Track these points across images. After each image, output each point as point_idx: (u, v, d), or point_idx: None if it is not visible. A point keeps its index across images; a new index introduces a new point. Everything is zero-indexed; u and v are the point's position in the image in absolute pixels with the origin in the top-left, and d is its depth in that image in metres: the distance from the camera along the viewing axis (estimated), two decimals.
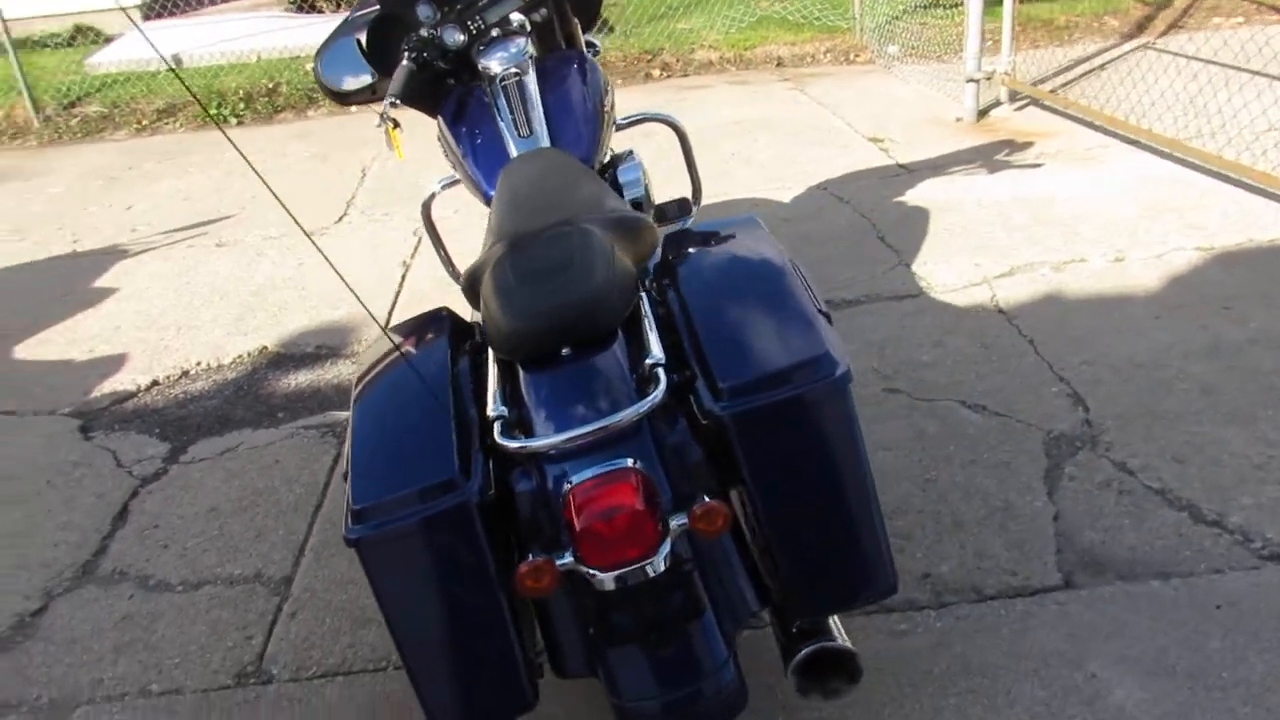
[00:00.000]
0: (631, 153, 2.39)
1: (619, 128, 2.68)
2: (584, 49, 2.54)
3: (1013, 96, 4.97)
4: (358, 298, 1.58)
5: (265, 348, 3.29)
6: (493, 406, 1.45)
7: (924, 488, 2.30)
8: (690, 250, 1.71)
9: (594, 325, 1.48)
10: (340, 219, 4.34)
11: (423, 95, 2.35)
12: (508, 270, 1.55)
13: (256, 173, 1.32)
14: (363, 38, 2.33)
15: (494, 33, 2.28)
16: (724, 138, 4.88)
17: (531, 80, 2.24)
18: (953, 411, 2.58)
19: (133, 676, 2.02)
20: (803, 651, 1.44)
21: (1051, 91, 4.92)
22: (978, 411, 2.57)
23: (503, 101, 2.23)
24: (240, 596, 2.20)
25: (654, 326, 1.52)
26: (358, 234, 4.18)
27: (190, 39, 6.92)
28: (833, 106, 5.24)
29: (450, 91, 2.36)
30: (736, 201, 4.09)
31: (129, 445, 2.78)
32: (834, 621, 1.51)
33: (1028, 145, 4.39)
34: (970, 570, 2.05)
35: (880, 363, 2.83)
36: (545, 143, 2.15)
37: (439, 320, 1.73)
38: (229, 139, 1.33)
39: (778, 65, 6.23)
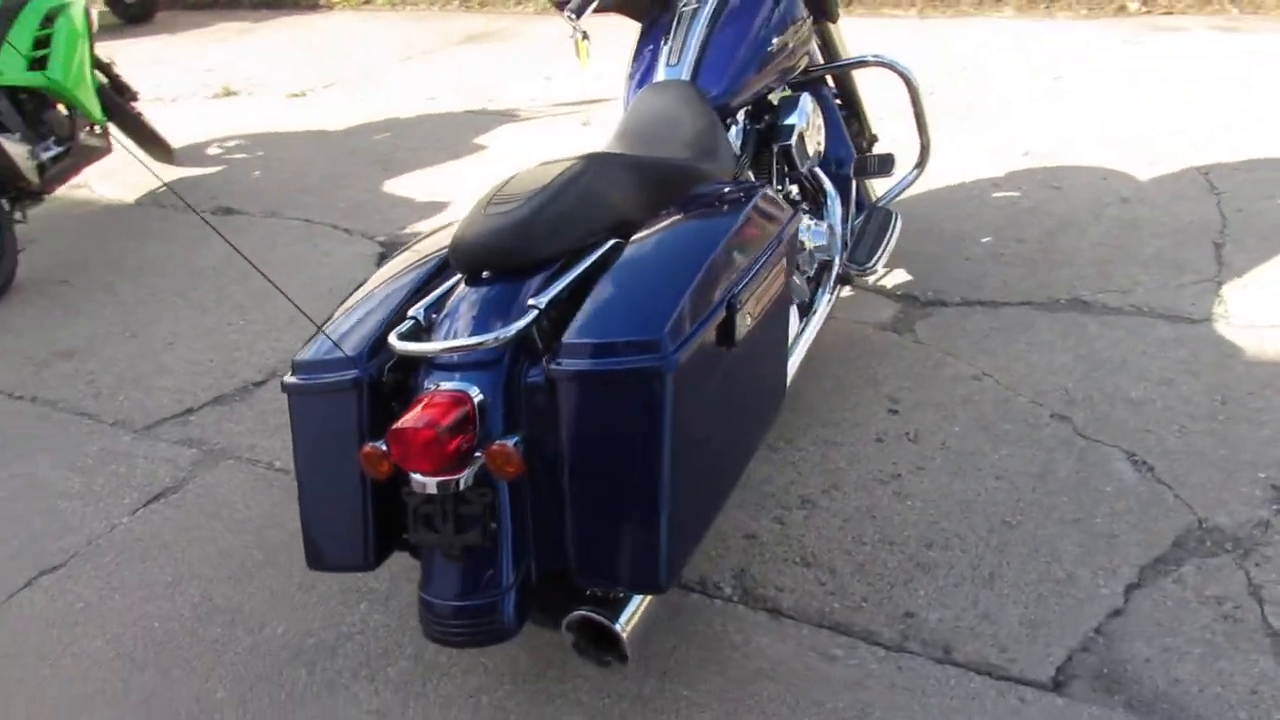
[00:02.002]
0: (800, 97, 2.29)
1: (833, 69, 2.56)
2: None
3: None
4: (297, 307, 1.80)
5: None
6: (415, 309, 1.63)
7: (994, 529, 2.02)
8: (666, 209, 1.68)
9: (508, 256, 1.56)
10: None
11: (635, 3, 2.44)
12: (494, 188, 1.68)
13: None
14: None
15: None
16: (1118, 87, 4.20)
17: (706, 10, 2.24)
18: (1108, 461, 2.17)
19: None
20: (572, 613, 1.47)
21: None
22: (1138, 470, 2.14)
23: (674, 27, 2.27)
24: None
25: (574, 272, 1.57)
26: None
27: None
28: None
29: (658, 5, 2.43)
30: (1067, 169, 3.57)
31: None
32: (637, 600, 1.50)
33: None
34: (959, 629, 1.81)
35: (1075, 384, 2.43)
36: (686, 74, 2.16)
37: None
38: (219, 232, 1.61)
39: None
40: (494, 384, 1.49)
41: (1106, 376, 2.45)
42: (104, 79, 4.22)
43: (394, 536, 1.61)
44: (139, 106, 4.45)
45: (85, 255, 3.80)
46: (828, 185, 2.52)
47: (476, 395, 1.46)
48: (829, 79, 2.80)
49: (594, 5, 2.33)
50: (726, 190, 1.73)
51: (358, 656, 1.86)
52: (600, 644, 1.49)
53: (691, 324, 1.42)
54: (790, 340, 2.08)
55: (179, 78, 6.14)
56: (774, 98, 2.38)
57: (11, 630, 1.99)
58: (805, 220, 2.38)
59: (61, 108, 3.88)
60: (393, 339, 1.52)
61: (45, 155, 3.72)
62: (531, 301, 1.49)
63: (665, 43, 2.26)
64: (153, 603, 2.03)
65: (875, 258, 2.45)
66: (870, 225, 2.57)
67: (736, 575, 1.97)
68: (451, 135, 4.67)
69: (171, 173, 4.55)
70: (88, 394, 2.83)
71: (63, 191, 4.36)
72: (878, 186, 2.92)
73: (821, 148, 2.41)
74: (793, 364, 2.10)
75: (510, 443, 1.42)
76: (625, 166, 1.73)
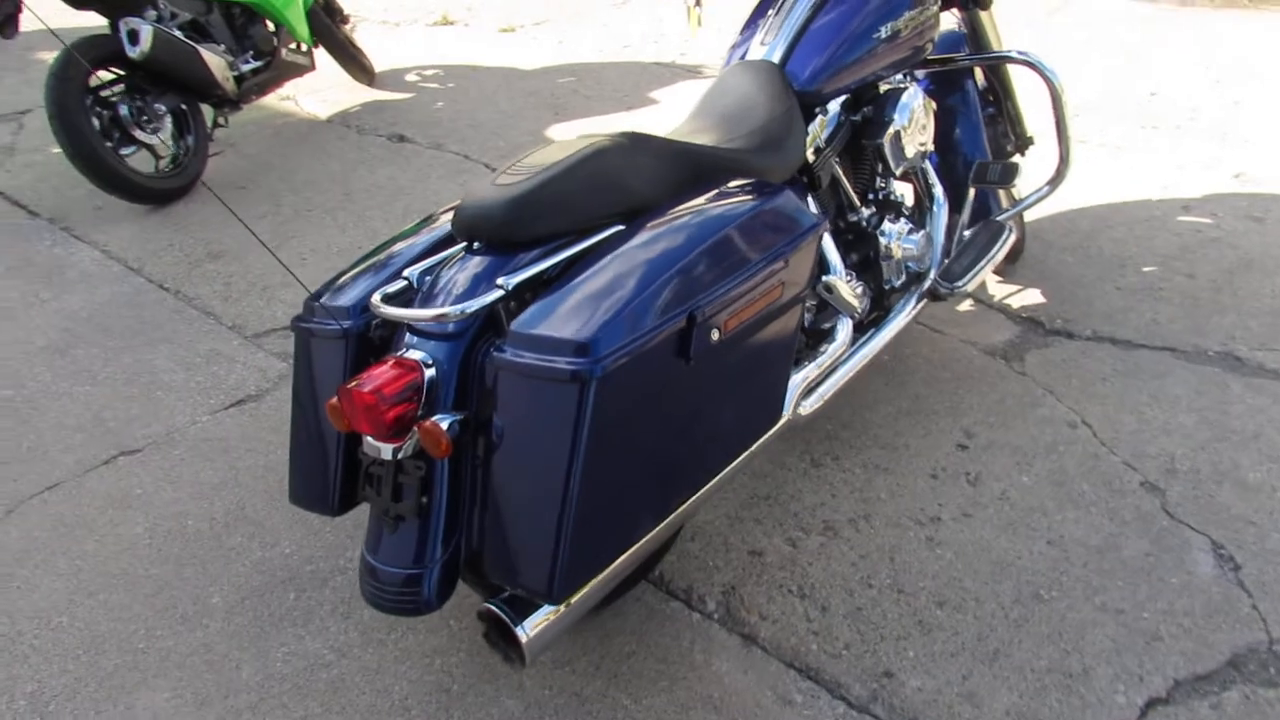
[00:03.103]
0: (906, 91, 2.09)
1: (970, 62, 2.33)
2: None
3: None
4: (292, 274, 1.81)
5: None
6: (410, 270, 1.63)
7: (1020, 600, 1.80)
8: (675, 201, 1.58)
9: (499, 229, 1.51)
10: None
11: None
12: (515, 158, 1.65)
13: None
14: None
15: None
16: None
17: None
18: (1187, 549, 1.89)
19: None
20: (483, 605, 1.44)
21: None
22: (1220, 565, 1.84)
23: (778, 4, 2.12)
24: None
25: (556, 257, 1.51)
26: None
27: None
28: None
29: None
30: (1206, 203, 3.08)
31: None
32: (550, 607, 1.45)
33: None
34: (935, 704, 1.63)
35: (1186, 452, 2.12)
36: (776, 56, 2.02)
37: None
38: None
39: None
40: (452, 358, 1.46)
41: (1227, 450, 2.12)
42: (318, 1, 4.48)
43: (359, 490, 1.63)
44: (361, 28, 4.68)
45: (267, 164, 4.08)
46: (936, 189, 2.30)
47: (430, 367, 1.44)
48: (977, 71, 2.54)
49: None
50: (743, 188, 1.60)
51: (342, 592, 1.92)
52: (508, 640, 1.46)
53: (635, 331, 1.33)
54: (835, 355, 1.93)
55: (409, 2, 6.44)
56: (884, 87, 2.18)
57: (77, 501, 2.20)
58: (897, 225, 2.19)
59: (269, 25, 4.15)
60: (375, 298, 1.53)
61: (245, 68, 4.01)
62: (500, 280, 1.45)
63: (767, 18, 2.12)
64: (195, 501, 2.18)
65: (967, 278, 2.21)
66: (975, 240, 2.32)
67: (725, 592, 1.88)
68: (631, 85, 4.63)
69: (366, 94, 4.80)
70: (220, 295, 3.06)
71: (270, 102, 4.72)
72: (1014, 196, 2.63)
73: (926, 148, 2.19)
74: (837, 380, 1.95)
75: (444, 421, 1.39)
76: (652, 150, 1.64)
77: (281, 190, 3.82)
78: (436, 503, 1.47)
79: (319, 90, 4.85)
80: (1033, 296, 2.73)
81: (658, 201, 1.61)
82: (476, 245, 1.55)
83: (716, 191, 1.60)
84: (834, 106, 2.09)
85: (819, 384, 1.92)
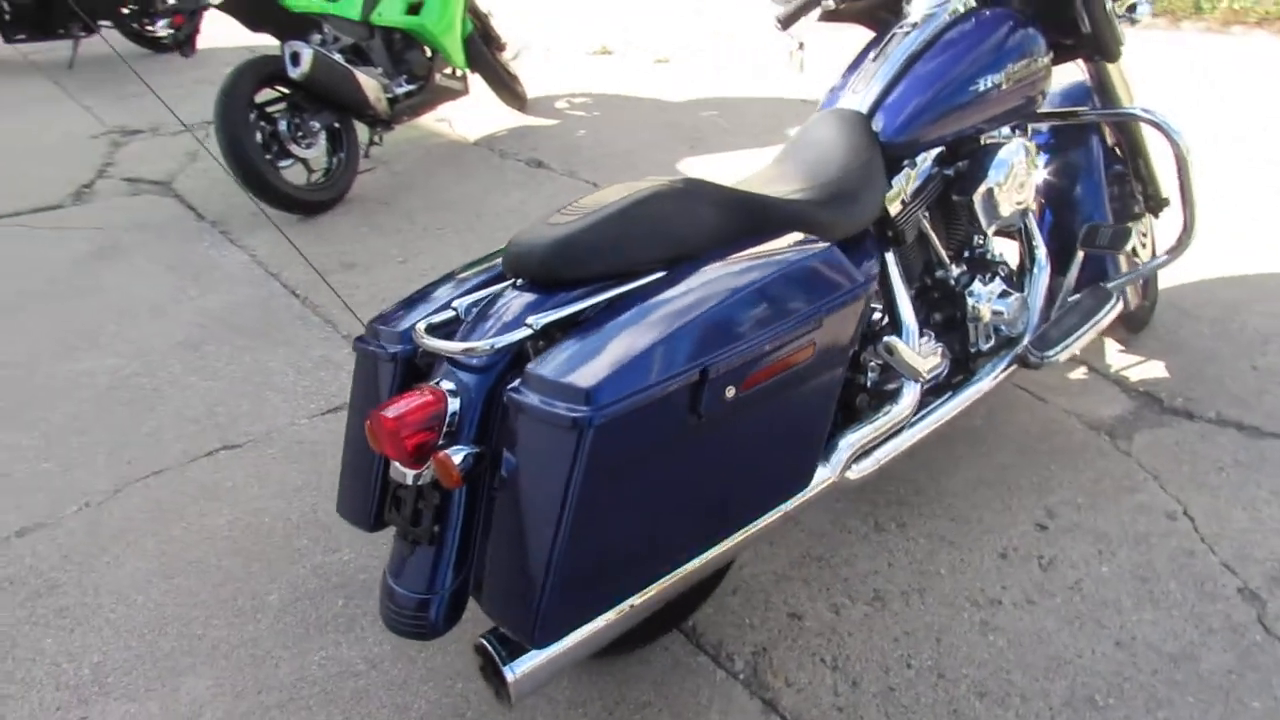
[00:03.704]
0: (1006, 147, 1.99)
1: (1090, 118, 2.20)
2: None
3: None
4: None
5: None
6: (460, 301, 1.67)
7: (1071, 703, 1.65)
8: (714, 254, 1.55)
9: (542, 267, 1.53)
10: None
11: (872, 14, 2.26)
12: (578, 198, 1.67)
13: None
14: None
15: None
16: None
17: (915, 37, 2.02)
18: (1279, 671, 1.69)
19: None
20: (479, 638, 1.45)
21: None
22: None
23: (877, 49, 2.07)
24: None
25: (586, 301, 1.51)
26: None
27: None
28: None
29: (890, 15, 2.22)
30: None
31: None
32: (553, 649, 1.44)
33: None
34: None
35: None
36: (865, 105, 1.97)
37: None
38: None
39: None
40: (478, 392, 1.49)
41: None
42: (477, 27, 4.68)
43: None
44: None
45: (411, 183, 4.29)
46: (1038, 250, 2.17)
47: (455, 398, 1.47)
48: (1105, 127, 2.38)
49: (804, 16, 2.19)
50: (791, 243, 1.55)
51: None
52: (499, 677, 1.46)
53: (642, 382, 1.31)
54: (897, 419, 1.84)
55: (573, 32, 6.64)
56: (985, 140, 2.07)
57: (176, 488, 2.37)
58: (989, 286, 2.07)
59: (426, 50, 4.37)
60: (420, 326, 1.58)
61: (398, 90, 4.23)
62: (530, 319, 1.47)
63: (864, 65, 2.06)
64: (276, 500, 2.30)
65: (1060, 347, 2.06)
66: (1077, 307, 2.17)
67: (756, 652, 1.82)
68: (772, 121, 4.61)
69: (516, 119, 4.97)
70: (342, 305, 3.23)
71: (425, 123, 4.97)
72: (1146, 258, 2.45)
73: (1024, 206, 2.07)
74: (898, 445, 1.86)
75: (459, 453, 1.42)
76: (707, 198, 1.62)
77: (418, 208, 4.00)
78: (451, 532, 1.49)
79: (473, 114, 5.05)
80: (1155, 370, 2.52)
81: (709, 250, 1.59)
82: (520, 282, 1.57)
83: (762, 245, 1.56)
84: (926, 158, 2.01)
85: (875, 447, 1.83)
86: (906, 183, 1.97)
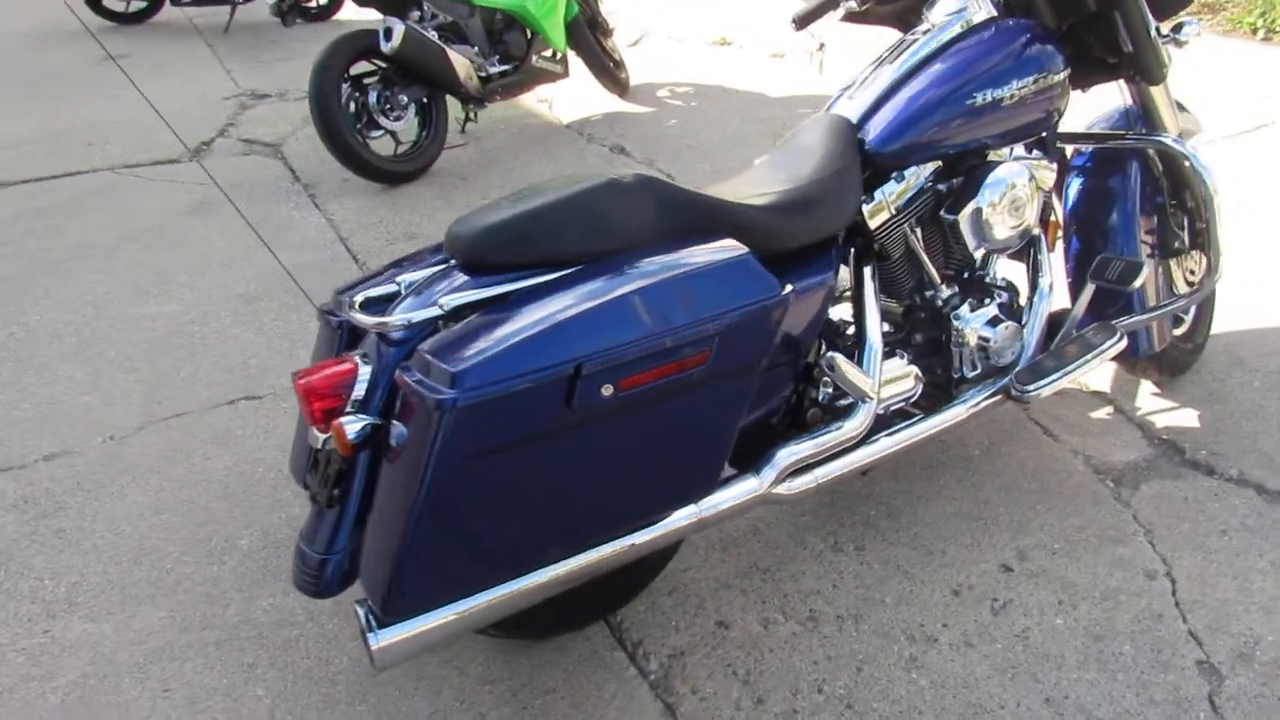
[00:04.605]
0: (1001, 167, 1.89)
1: (1101, 142, 2.08)
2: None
3: None
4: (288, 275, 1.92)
5: None
6: (404, 276, 1.72)
7: None
8: (652, 251, 1.53)
9: (467, 251, 1.55)
10: None
11: (899, 16, 2.18)
12: (527, 186, 1.70)
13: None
14: None
15: None
16: None
17: (921, 46, 1.95)
18: None
19: None
20: (356, 602, 1.49)
21: None
22: None
23: (884, 56, 2.01)
24: None
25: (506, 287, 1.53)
26: None
27: None
28: None
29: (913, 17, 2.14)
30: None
31: None
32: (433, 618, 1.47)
33: None
34: None
35: (1277, 639, 1.74)
36: (855, 113, 1.91)
37: None
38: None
39: None
40: (389, 365, 1.53)
41: None
42: (583, 11, 4.74)
43: None
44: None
45: (495, 161, 4.39)
46: (1042, 278, 2.05)
47: (366, 369, 1.52)
48: (1152, 152, 2.22)
49: (821, 16, 2.14)
50: (705, 248, 1.52)
51: None
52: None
53: (513, 371, 1.32)
54: (843, 438, 1.77)
55: (696, 21, 6.61)
56: (992, 157, 1.97)
57: (192, 431, 2.52)
58: (978, 311, 1.98)
59: (526, 32, 4.46)
60: (356, 298, 1.63)
61: (492, 70, 4.33)
62: (441, 300, 1.50)
63: (869, 70, 2.00)
64: (276, 452, 2.43)
65: (1044, 382, 1.93)
66: (1075, 342, 2.03)
67: (673, 655, 1.81)
68: None
69: (614, 105, 5.01)
70: None
71: (526, 102, 5.07)
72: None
73: (1023, 230, 1.95)
74: (845, 466, 1.80)
75: (354, 422, 1.46)
76: (655, 196, 1.60)
77: (493, 186, 4.10)
78: (352, 497, 1.54)
79: (573, 96, 5.12)
80: (1186, 418, 2.34)
81: (671, 227, 1.59)
82: (454, 263, 1.60)
83: (685, 247, 1.54)
84: (920, 172, 1.92)
85: (818, 465, 1.78)
86: (898, 196, 1.89)
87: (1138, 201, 2.17)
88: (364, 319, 1.53)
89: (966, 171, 1.94)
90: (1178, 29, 2.03)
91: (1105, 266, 2.02)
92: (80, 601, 1.99)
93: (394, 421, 1.43)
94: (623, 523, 1.53)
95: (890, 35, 2.13)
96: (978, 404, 1.96)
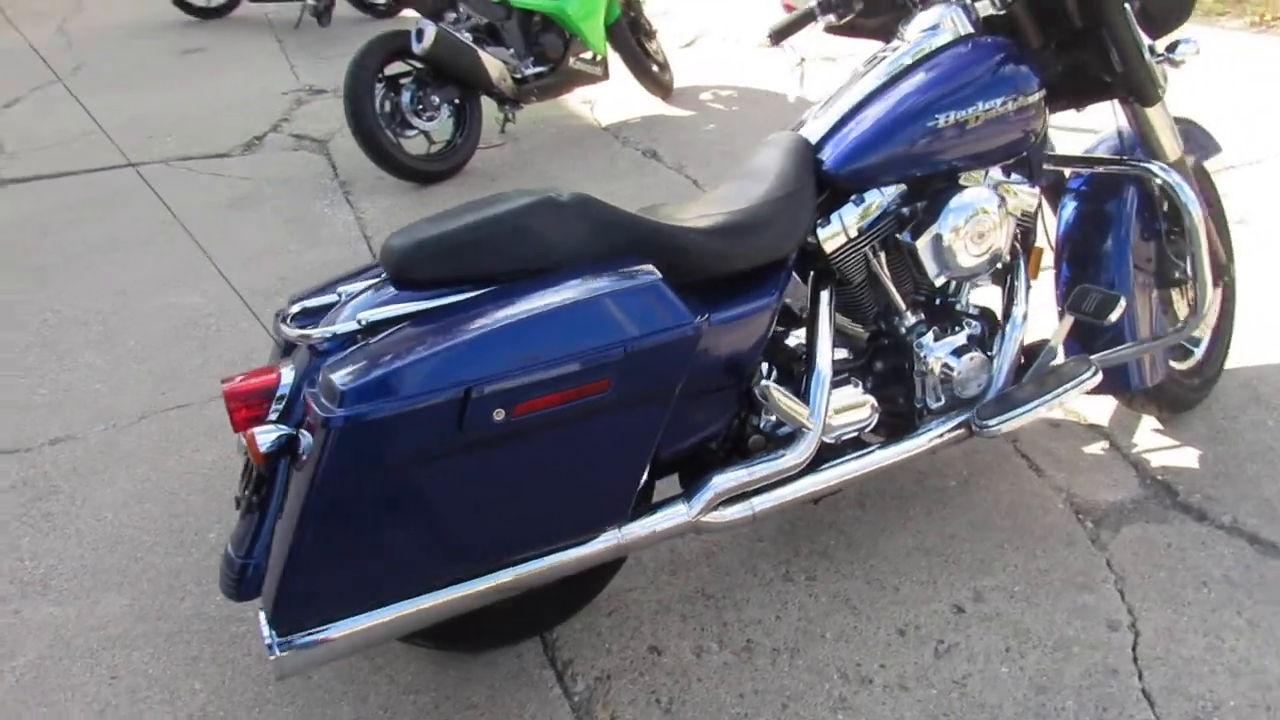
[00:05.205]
0: (971, 189, 1.82)
1: (1082, 164, 1.99)
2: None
3: None
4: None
5: None
6: (344, 288, 1.73)
7: None
8: (566, 274, 1.51)
9: (394, 267, 1.55)
10: None
11: (886, 29, 2.13)
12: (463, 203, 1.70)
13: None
14: None
15: None
16: None
17: (890, 64, 1.89)
18: None
19: None
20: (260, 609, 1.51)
21: None
22: None
23: (855, 72, 1.96)
24: None
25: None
26: None
27: None
28: None
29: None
30: None
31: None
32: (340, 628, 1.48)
33: None
34: None
35: (1237, 705, 1.63)
36: (814, 134, 1.87)
37: None
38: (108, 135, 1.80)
39: None
40: (309, 377, 1.55)
41: None
42: (625, 13, 4.73)
43: None
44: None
45: (529, 162, 4.41)
46: (1015, 308, 1.96)
47: (288, 379, 1.54)
48: (1149, 180, 2.10)
49: (798, 31, 2.09)
50: (617, 271, 1.49)
51: None
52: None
53: (402, 392, 1.32)
54: (780, 467, 1.72)
55: (754, 22, 6.53)
56: (964, 180, 1.89)
57: (187, 424, 2.60)
58: (943, 340, 1.90)
59: (564, 34, 4.46)
60: (292, 308, 1.66)
61: (527, 71, 4.36)
62: (361, 315, 1.51)
63: (838, 89, 1.94)
64: None
65: (1006, 417, 1.85)
66: (1048, 375, 1.93)
67: (600, 678, 1.79)
68: None
69: (655, 107, 4.98)
70: None
71: (568, 102, 5.09)
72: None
73: (990, 257, 1.86)
74: (783, 497, 1.76)
75: (267, 432, 1.47)
76: (590, 216, 1.58)
77: (525, 184, 4.11)
78: (271, 504, 1.57)
79: (615, 97, 5.11)
80: (1186, 458, 2.22)
81: (606, 244, 1.57)
82: (383, 276, 1.61)
83: (599, 270, 1.51)
84: (884, 195, 1.86)
85: (754, 494, 1.74)
86: (859, 218, 1.84)
87: (1133, 228, 2.06)
88: (287, 330, 1.55)
89: (932, 195, 1.86)
90: (1173, 48, 1.91)
91: (1083, 298, 1.92)
92: (53, 584, 2.07)
93: (302, 432, 1.44)
94: (528, 547, 1.52)
95: (873, 49, 2.07)
96: (938, 437, 1.89)
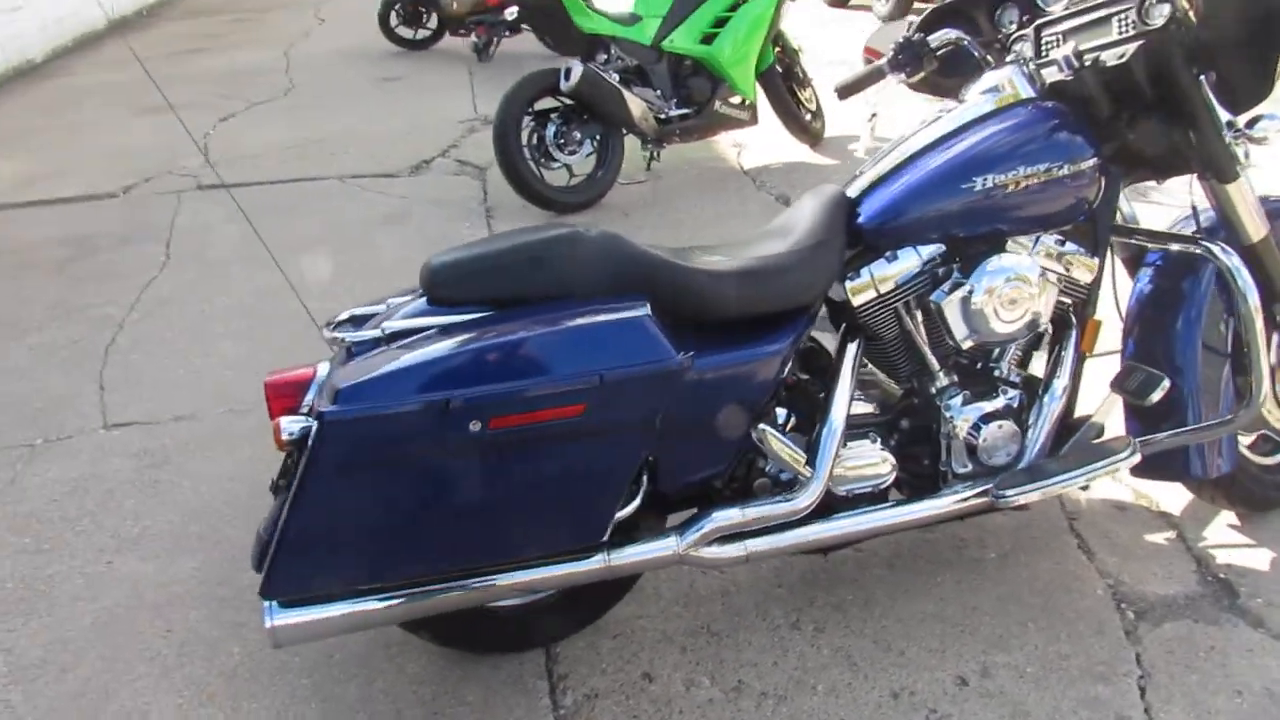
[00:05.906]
0: (1010, 254, 1.80)
1: (1148, 239, 1.92)
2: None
3: None
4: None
5: None
6: (393, 299, 1.89)
7: None
8: (572, 304, 1.61)
9: (425, 284, 1.70)
10: None
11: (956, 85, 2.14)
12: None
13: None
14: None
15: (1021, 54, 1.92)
16: None
17: (942, 125, 1.90)
18: None
19: None
20: None
21: None
22: None
23: (910, 130, 1.98)
24: None
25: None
26: None
27: None
28: None
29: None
30: None
31: None
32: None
33: None
34: None
35: None
36: (855, 189, 1.91)
37: None
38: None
39: None
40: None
41: None
42: (779, 60, 4.80)
43: None
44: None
45: (666, 200, 4.54)
46: (1056, 380, 1.89)
47: (322, 375, 1.71)
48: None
49: (866, 88, 2.12)
50: (612, 305, 1.56)
51: None
52: None
53: (389, 396, 1.46)
54: (775, 512, 1.74)
55: None
56: (1010, 244, 1.85)
57: (254, 426, 2.84)
58: (972, 405, 1.88)
59: (711, 79, 4.58)
60: (342, 315, 1.83)
61: (672, 113, 4.50)
62: (384, 325, 1.67)
63: (890, 144, 1.96)
64: (266, 467, 2.69)
65: (1025, 489, 1.78)
66: (1081, 451, 1.84)
67: (588, 696, 1.85)
68: None
69: (801, 155, 5.02)
70: None
71: (718, 144, 5.19)
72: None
73: (1014, 326, 1.80)
74: (779, 542, 1.78)
75: (291, 423, 1.63)
76: (611, 253, 1.67)
77: (650, 224, 4.25)
78: (293, 490, 1.74)
79: (765, 141, 5.18)
80: (1258, 559, 2.06)
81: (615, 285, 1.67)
82: (418, 292, 1.77)
83: (598, 301, 1.60)
84: (921, 253, 1.85)
85: (751, 536, 1.77)
86: (884, 275, 1.84)
87: (1205, 310, 1.95)
88: (328, 333, 1.72)
89: (970, 257, 1.84)
90: (1253, 123, 1.81)
91: (1127, 375, 1.84)
92: (143, 543, 2.34)
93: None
94: (501, 555, 1.62)
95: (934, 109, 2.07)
96: (957, 502, 1.85)
